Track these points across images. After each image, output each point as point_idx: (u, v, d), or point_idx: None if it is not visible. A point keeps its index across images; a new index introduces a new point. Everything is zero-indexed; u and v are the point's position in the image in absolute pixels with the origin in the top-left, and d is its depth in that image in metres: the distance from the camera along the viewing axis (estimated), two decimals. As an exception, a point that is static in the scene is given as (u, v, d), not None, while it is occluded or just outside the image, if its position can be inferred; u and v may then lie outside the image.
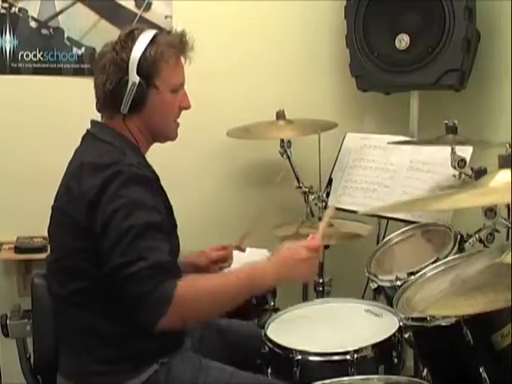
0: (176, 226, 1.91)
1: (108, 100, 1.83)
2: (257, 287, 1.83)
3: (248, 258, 2.46)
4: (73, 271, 1.78)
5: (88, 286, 1.76)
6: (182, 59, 1.90)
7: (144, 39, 1.81)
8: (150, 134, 1.89)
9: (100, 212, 1.69)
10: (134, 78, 1.79)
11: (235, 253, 2.44)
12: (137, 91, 1.79)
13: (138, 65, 1.79)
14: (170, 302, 1.63)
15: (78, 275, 1.77)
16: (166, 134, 1.93)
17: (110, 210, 1.68)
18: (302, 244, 1.86)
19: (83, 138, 1.90)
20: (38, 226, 2.73)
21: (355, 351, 1.85)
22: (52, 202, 1.86)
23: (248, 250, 2.51)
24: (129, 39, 1.81)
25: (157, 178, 1.85)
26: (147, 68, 1.80)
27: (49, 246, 1.94)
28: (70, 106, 2.81)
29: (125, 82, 1.79)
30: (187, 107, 1.92)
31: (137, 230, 1.66)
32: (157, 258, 1.65)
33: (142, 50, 1.79)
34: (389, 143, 2.55)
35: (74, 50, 2.86)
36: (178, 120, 1.94)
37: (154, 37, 1.83)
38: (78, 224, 1.73)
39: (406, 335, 1.83)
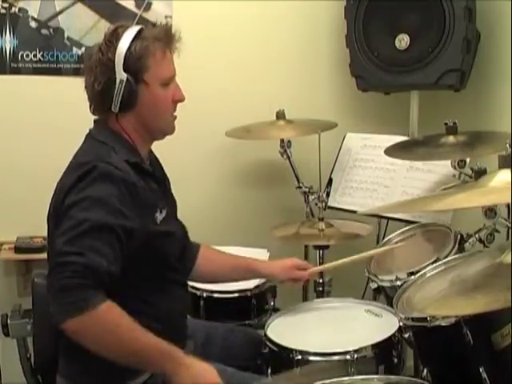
0: (174, 232, 1.90)
1: (98, 101, 1.82)
2: (162, 365, 1.66)
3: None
4: None
5: None
6: (170, 52, 1.87)
7: (128, 36, 1.79)
8: (146, 132, 1.87)
9: (65, 202, 1.69)
10: (121, 75, 1.77)
11: (234, 250, 2.44)
12: (126, 88, 1.78)
13: (124, 62, 1.77)
14: (86, 310, 1.56)
15: None
16: (162, 128, 1.90)
17: (72, 199, 1.67)
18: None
19: (85, 138, 1.90)
20: (38, 225, 2.72)
21: (355, 351, 1.85)
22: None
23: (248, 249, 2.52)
24: (113, 38, 1.79)
25: (148, 180, 1.82)
26: (134, 64, 1.78)
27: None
28: (70, 105, 2.80)
29: (113, 80, 1.77)
30: (181, 100, 1.90)
31: (89, 224, 1.63)
32: (96, 261, 1.60)
33: (127, 46, 1.77)
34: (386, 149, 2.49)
35: (74, 50, 2.86)
36: (175, 114, 1.91)
37: (139, 32, 1.81)
38: (56, 219, 1.73)
39: (406, 335, 1.83)
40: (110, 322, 1.61)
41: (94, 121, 1.91)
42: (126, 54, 1.77)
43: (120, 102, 1.79)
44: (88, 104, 1.88)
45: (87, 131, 1.90)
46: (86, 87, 1.84)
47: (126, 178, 1.73)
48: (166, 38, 1.84)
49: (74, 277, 1.58)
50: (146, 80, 1.81)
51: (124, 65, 1.77)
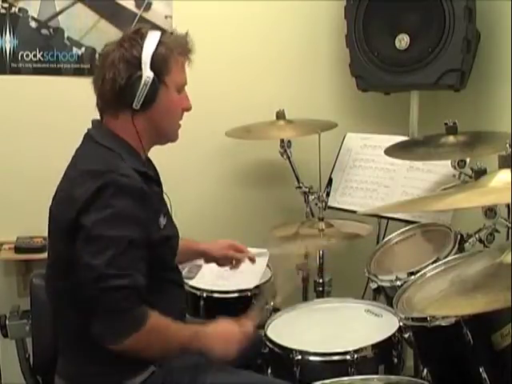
0: (173, 235, 1.91)
1: (117, 96, 1.80)
2: (197, 347, 1.77)
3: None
4: (68, 274, 1.76)
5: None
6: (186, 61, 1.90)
7: (153, 37, 1.81)
8: (154, 134, 1.88)
9: (86, 219, 1.68)
10: (147, 73, 1.78)
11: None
12: (150, 87, 1.79)
13: (152, 61, 1.79)
14: (140, 328, 1.65)
15: (73, 278, 1.74)
16: (169, 134, 1.92)
17: (96, 218, 1.67)
18: (240, 328, 1.84)
19: (83, 139, 1.89)
20: (37, 226, 2.72)
21: (355, 351, 1.85)
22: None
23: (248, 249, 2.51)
24: (137, 36, 1.81)
25: (152, 186, 1.83)
26: (159, 65, 1.80)
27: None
28: (70, 105, 2.80)
29: (137, 77, 1.78)
30: (189, 109, 1.93)
31: (122, 244, 1.66)
32: (138, 280, 1.67)
33: (155, 46, 1.80)
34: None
35: (74, 50, 2.86)
36: (180, 122, 1.93)
37: (161, 36, 1.83)
38: (67, 229, 1.72)
39: (406, 335, 1.83)
40: (158, 330, 1.71)
41: (93, 121, 1.90)
42: (153, 53, 1.79)
43: (143, 99, 1.80)
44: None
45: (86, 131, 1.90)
46: (99, 83, 1.81)
47: (139, 188, 1.75)
48: (186, 46, 1.87)
49: (123, 300, 1.64)
50: (166, 82, 1.83)
51: (151, 64, 1.79)
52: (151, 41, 1.80)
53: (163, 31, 1.87)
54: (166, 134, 1.91)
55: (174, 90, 1.86)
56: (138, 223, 1.71)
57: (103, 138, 1.83)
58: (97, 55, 2.82)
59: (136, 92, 1.78)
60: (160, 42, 1.81)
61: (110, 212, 1.68)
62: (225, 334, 1.81)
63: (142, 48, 1.79)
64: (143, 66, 1.78)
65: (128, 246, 1.67)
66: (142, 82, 1.78)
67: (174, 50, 1.83)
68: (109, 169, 1.73)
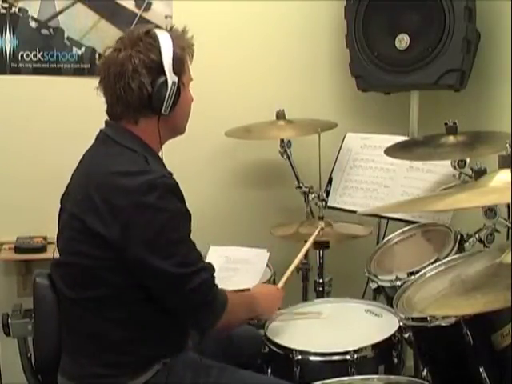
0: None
1: (145, 104, 1.77)
2: (254, 312, 2.00)
3: (247, 258, 2.46)
4: (90, 278, 1.75)
5: (105, 294, 1.74)
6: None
7: (167, 38, 1.79)
8: (170, 132, 1.90)
9: (141, 226, 1.68)
10: (173, 78, 1.78)
11: (234, 249, 2.46)
12: (176, 90, 1.80)
13: (173, 64, 1.78)
14: (226, 308, 1.79)
15: (96, 283, 1.74)
16: (181, 129, 1.94)
17: (156, 224, 1.68)
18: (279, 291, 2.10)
19: (98, 138, 1.86)
20: (38, 226, 2.74)
21: (355, 351, 1.85)
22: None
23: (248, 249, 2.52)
24: (150, 39, 1.78)
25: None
26: (179, 67, 1.81)
27: (56, 247, 1.89)
28: (69, 106, 2.80)
29: (163, 82, 1.77)
30: (192, 99, 1.94)
31: (186, 241, 1.76)
32: (209, 267, 1.80)
33: (172, 49, 1.78)
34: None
35: (74, 50, 2.86)
36: None
37: (171, 36, 1.81)
38: (103, 236, 1.69)
39: (406, 335, 1.83)
40: (234, 303, 1.84)
41: (109, 122, 1.86)
42: (173, 56, 1.79)
43: (171, 103, 1.80)
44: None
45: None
46: (122, 91, 1.77)
47: (176, 185, 1.78)
48: (191, 43, 1.88)
49: (209, 292, 1.77)
50: (183, 82, 1.85)
51: (173, 67, 1.79)
52: (167, 43, 1.78)
53: (168, 30, 1.86)
54: (180, 130, 1.94)
55: (187, 88, 1.88)
56: (187, 218, 1.80)
57: (123, 139, 1.81)
58: (97, 55, 2.84)
59: (163, 97, 1.78)
60: (174, 44, 1.80)
61: (166, 216, 1.71)
62: (269, 295, 2.05)
63: (159, 51, 1.77)
64: (167, 71, 1.77)
65: (189, 242, 1.77)
66: (169, 87, 1.78)
67: (186, 49, 1.84)
68: (143, 170, 1.73)
